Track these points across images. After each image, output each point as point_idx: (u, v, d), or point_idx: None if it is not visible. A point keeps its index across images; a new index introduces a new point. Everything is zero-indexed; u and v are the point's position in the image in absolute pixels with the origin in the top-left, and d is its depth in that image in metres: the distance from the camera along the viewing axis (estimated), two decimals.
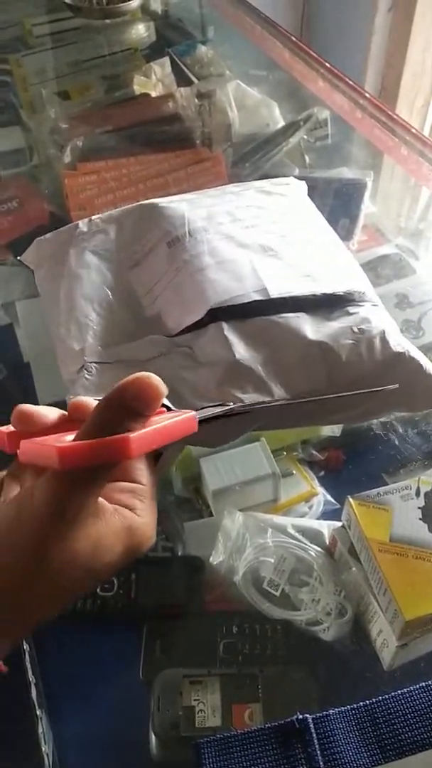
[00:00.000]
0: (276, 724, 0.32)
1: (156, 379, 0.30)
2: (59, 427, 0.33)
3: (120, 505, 0.32)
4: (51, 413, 0.33)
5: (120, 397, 0.29)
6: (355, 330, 0.47)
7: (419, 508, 0.49)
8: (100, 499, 0.31)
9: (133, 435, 0.28)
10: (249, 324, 0.47)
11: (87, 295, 0.52)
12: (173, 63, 1.04)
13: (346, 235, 0.79)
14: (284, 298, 0.48)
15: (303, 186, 0.62)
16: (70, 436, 0.31)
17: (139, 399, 0.29)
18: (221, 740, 0.32)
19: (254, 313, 0.47)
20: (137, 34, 1.11)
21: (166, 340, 0.49)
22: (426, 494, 0.50)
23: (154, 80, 1.01)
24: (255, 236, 0.52)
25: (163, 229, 0.54)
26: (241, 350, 0.45)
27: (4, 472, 0.35)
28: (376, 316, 0.48)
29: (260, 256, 0.50)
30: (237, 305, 0.47)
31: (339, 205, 0.78)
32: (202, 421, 0.34)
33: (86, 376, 0.47)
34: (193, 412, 0.33)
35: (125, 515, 0.31)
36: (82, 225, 0.58)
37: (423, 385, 0.47)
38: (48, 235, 0.60)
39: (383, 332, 0.47)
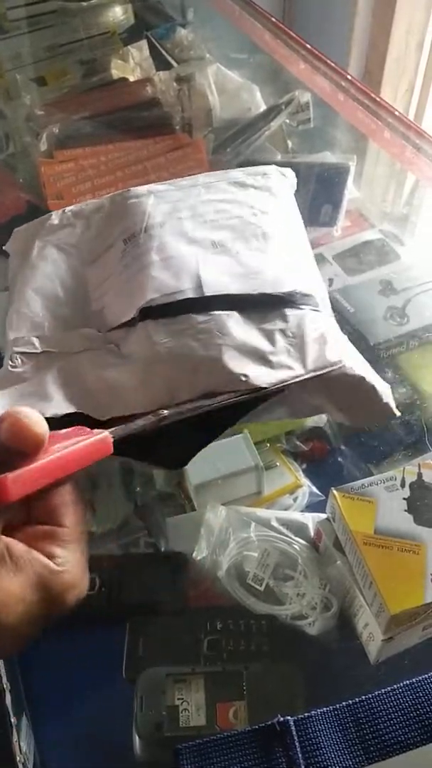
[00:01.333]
0: (256, 726, 0.32)
1: (33, 420, 0.27)
2: None
3: (39, 551, 0.29)
4: None
5: None
6: (288, 334, 0.45)
7: (404, 499, 0.48)
8: (14, 543, 0.29)
9: (11, 475, 0.26)
10: (177, 322, 0.45)
11: (36, 287, 0.51)
12: (151, 46, 1.01)
13: (329, 221, 0.78)
14: (219, 296, 0.46)
15: (287, 174, 0.60)
16: None
17: (16, 439, 0.27)
18: (200, 745, 0.31)
19: (186, 311, 0.46)
20: (114, 16, 1.08)
21: (97, 335, 0.48)
22: (411, 485, 0.49)
23: (132, 64, 0.99)
24: (209, 232, 0.51)
25: (124, 226, 0.53)
26: (162, 348, 0.44)
27: None
28: (315, 321, 0.46)
29: (208, 252, 0.49)
30: (169, 303, 0.46)
31: (321, 190, 0.77)
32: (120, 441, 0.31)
33: (10, 366, 0.46)
34: (106, 433, 0.30)
35: (40, 563, 0.29)
36: (55, 217, 0.57)
37: (363, 398, 0.44)
38: (24, 226, 0.59)
39: (321, 337, 0.44)
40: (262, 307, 0.46)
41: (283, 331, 0.45)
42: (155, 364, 0.43)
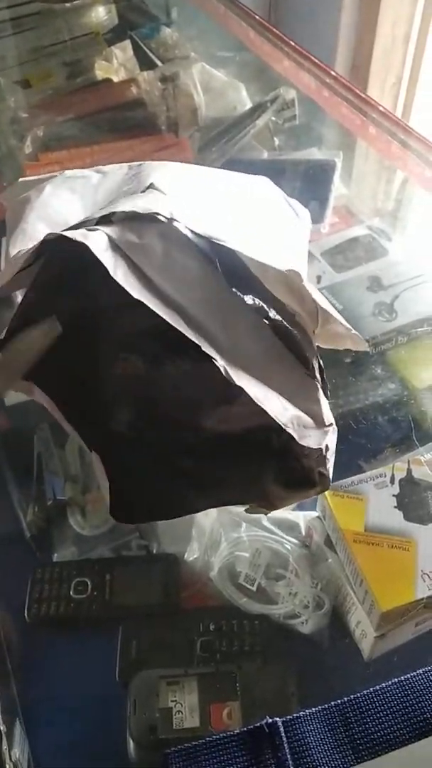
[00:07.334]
0: (245, 729, 0.32)
1: None
2: None
3: None
4: None
5: None
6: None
7: (394, 495, 0.48)
8: None
9: None
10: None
11: (44, 215, 0.51)
12: (136, 46, 1.01)
13: (316, 218, 0.77)
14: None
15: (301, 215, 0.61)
16: None
17: None
18: (189, 749, 0.31)
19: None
20: (98, 17, 1.08)
21: None
22: (400, 481, 0.49)
23: (116, 65, 0.98)
24: (212, 191, 0.52)
25: (136, 172, 0.54)
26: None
27: None
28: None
29: (206, 200, 0.50)
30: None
31: (308, 187, 0.77)
32: None
33: None
34: None
35: None
36: (68, 172, 0.58)
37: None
38: (32, 177, 0.59)
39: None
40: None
41: None
42: None
